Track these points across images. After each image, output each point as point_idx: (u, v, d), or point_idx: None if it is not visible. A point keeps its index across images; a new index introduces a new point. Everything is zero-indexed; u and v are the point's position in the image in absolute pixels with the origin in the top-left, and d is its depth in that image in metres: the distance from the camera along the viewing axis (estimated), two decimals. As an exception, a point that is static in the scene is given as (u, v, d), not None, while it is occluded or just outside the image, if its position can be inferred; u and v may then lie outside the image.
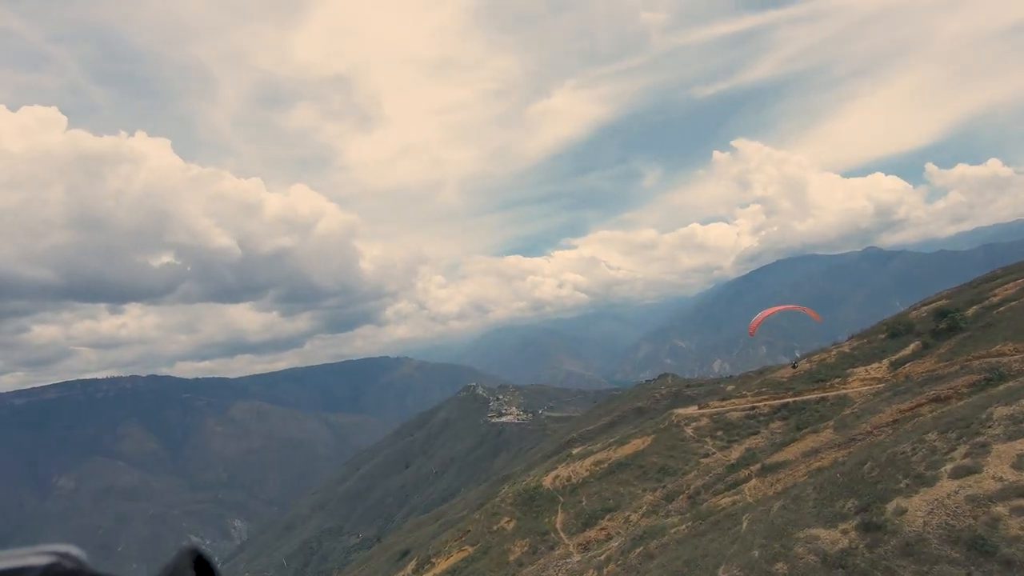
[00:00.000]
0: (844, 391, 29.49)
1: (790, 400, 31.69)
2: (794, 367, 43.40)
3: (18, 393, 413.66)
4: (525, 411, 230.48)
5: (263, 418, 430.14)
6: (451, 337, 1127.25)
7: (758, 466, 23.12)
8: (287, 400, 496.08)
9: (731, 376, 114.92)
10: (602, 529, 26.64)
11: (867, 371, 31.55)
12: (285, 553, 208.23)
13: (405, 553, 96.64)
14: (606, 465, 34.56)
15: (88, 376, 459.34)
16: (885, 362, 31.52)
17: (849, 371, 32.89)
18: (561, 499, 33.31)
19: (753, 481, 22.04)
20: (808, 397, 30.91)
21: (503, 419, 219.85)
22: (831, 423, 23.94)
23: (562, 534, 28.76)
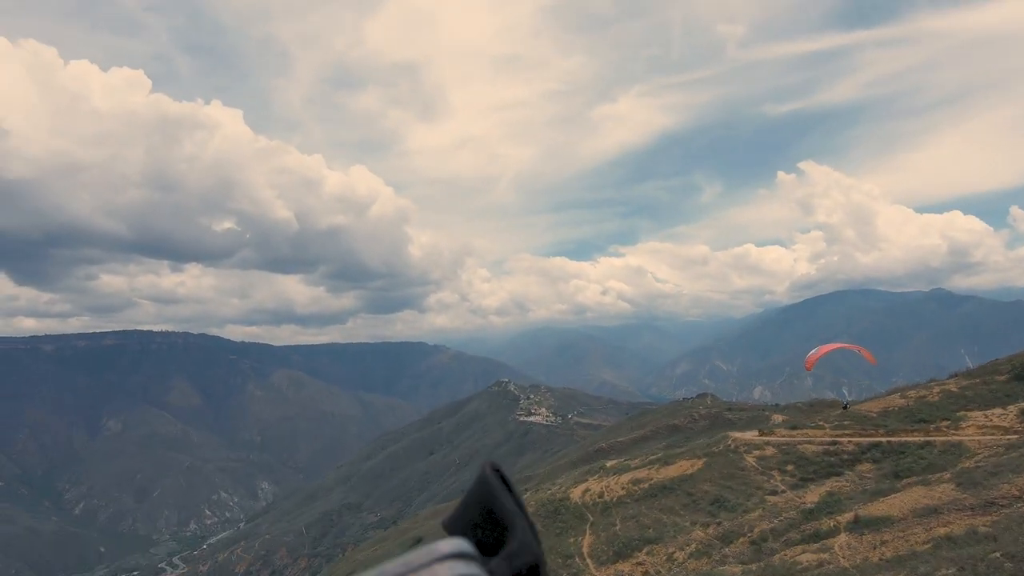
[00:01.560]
0: (957, 437, 24.08)
1: (883, 440, 26.23)
2: (845, 408, 38.78)
3: (80, 336, 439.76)
4: (555, 413, 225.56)
5: (301, 388, 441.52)
6: (489, 331, 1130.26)
7: (850, 517, 18.38)
8: (325, 374, 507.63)
9: (776, 405, 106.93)
10: (639, 563, 22.38)
11: (986, 417, 25.93)
12: (305, 521, 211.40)
13: (418, 541, 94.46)
14: (647, 485, 30.06)
15: (144, 327, 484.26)
16: (1012, 409, 25.81)
17: (961, 414, 27.27)
18: (591, 518, 29.10)
19: (843, 536, 17.34)
20: (908, 439, 25.47)
21: (531, 419, 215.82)
22: (948, 476, 18.95)
23: (589, 561, 24.64)
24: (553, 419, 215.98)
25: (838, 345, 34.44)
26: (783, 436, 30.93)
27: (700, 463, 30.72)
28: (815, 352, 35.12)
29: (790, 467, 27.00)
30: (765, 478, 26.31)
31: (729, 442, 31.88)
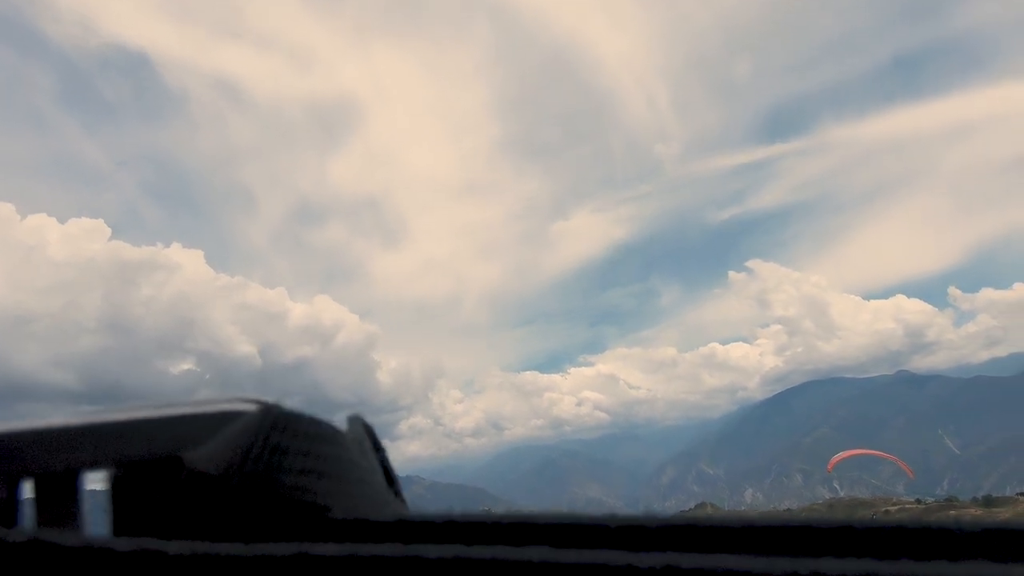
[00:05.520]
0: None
1: None
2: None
3: None
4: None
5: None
6: (466, 455, 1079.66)
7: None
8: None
9: (788, 510, 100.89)
10: None
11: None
12: None
13: None
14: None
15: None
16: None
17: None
18: None
19: None
20: None
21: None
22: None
23: None
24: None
25: (868, 452, 32.24)
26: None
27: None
28: (838, 456, 32.71)
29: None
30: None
31: None
